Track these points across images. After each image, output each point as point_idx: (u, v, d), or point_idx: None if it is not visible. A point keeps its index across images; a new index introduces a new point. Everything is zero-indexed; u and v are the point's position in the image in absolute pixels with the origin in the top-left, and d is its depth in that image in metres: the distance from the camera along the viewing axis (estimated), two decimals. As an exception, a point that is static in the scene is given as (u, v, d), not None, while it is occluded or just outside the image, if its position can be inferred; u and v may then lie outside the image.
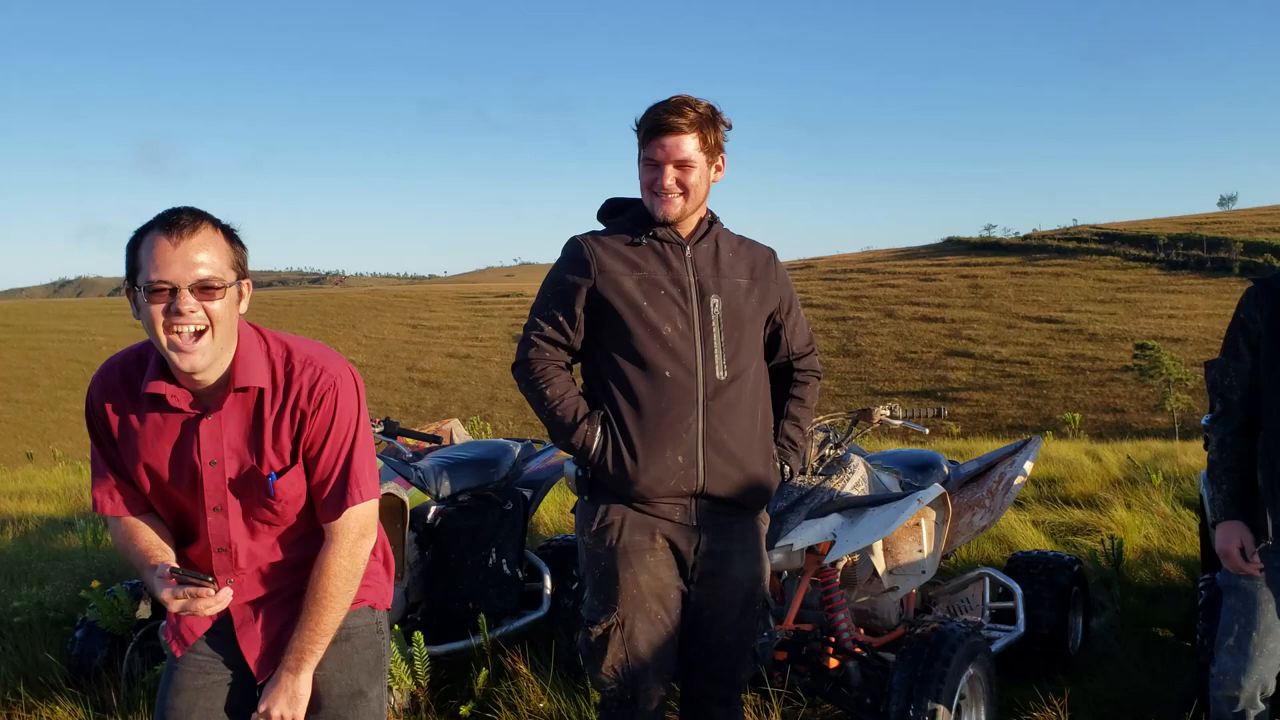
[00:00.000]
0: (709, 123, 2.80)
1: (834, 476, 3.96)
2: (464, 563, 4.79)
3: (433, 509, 4.88)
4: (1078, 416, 18.84)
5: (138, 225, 2.13)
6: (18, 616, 5.12)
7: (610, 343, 2.80)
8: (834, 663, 3.81)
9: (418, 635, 3.75)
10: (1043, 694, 3.94)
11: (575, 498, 2.97)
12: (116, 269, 2.31)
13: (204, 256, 2.06)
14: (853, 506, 3.82)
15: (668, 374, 2.75)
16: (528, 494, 5.12)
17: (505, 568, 4.78)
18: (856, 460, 4.10)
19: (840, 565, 4.02)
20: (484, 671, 4.24)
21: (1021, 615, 4.51)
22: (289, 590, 2.34)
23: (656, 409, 2.75)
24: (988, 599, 4.65)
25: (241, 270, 2.16)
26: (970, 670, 3.53)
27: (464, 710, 4.03)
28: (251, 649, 2.33)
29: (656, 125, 2.75)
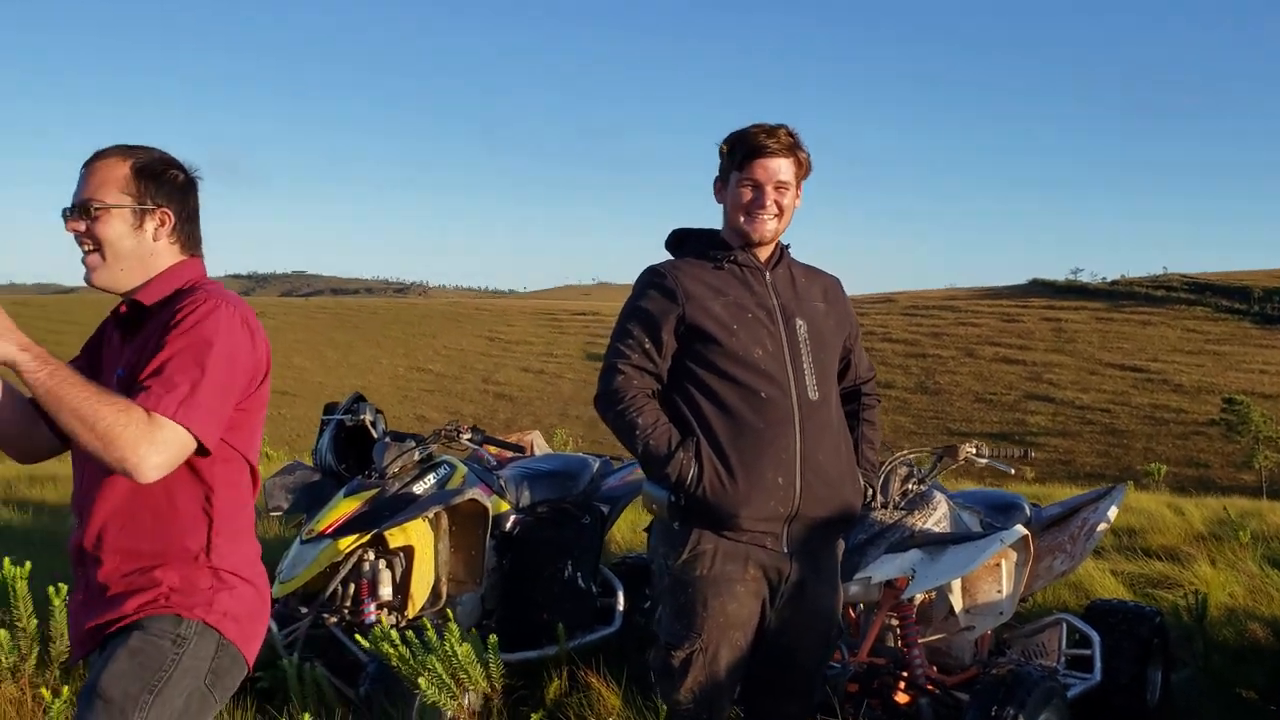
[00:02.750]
0: (800, 149, 2.89)
1: (915, 512, 3.95)
2: (540, 573, 4.86)
3: (512, 518, 4.97)
4: (1163, 468, 18.36)
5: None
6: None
7: (702, 367, 2.83)
8: (906, 698, 3.79)
9: (493, 638, 3.82)
10: (1118, 745, 3.87)
11: (647, 516, 2.99)
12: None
13: (90, 182, 2.16)
14: (933, 543, 3.81)
15: (763, 394, 2.79)
16: (604, 509, 5.19)
17: (580, 581, 4.84)
18: (939, 497, 4.09)
19: (917, 601, 4.01)
20: (556, 681, 4.29)
21: (1099, 664, 4.44)
22: (116, 586, 2.13)
23: (755, 429, 2.77)
24: (1064, 645, 4.58)
25: (148, 199, 2.18)
26: (1045, 715, 3.49)
27: (535, 717, 4.09)
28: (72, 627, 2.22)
29: (758, 148, 2.83)
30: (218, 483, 2.16)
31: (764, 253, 2.93)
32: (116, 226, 2.16)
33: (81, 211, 2.15)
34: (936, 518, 4.00)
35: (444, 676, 3.53)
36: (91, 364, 2.31)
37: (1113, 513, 4.58)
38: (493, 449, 5.43)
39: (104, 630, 2.15)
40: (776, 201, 2.85)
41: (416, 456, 4.60)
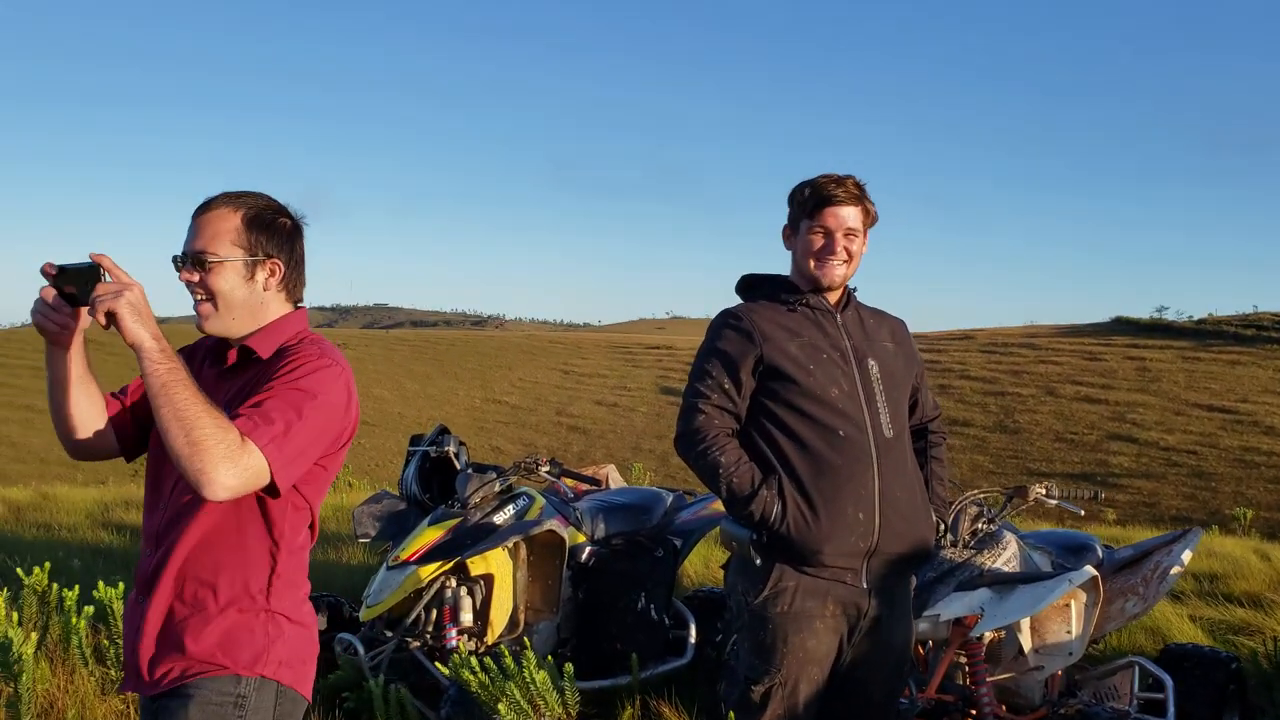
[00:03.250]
0: (867, 199, 3.02)
1: (985, 551, 4.01)
2: (614, 604, 4.99)
3: (587, 549, 5.11)
4: (1250, 512, 17.82)
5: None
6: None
7: (781, 407, 2.92)
8: (974, 736, 3.83)
9: (569, 666, 3.95)
10: (1190, 791, 3.84)
11: (719, 549, 3.08)
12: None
13: (203, 234, 2.19)
14: (1003, 582, 3.86)
15: (841, 433, 2.89)
16: (678, 543, 5.29)
17: (653, 613, 4.95)
18: (1009, 537, 4.14)
19: (986, 639, 4.05)
20: (628, 709, 4.40)
21: (1172, 709, 4.41)
22: (174, 622, 2.17)
23: (834, 466, 2.86)
24: (1136, 688, 4.56)
25: (259, 250, 2.22)
26: (1114, 756, 3.51)
27: (608, 745, 4.20)
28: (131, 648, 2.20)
29: (828, 196, 2.96)
30: (286, 528, 2.21)
31: (833, 296, 3.05)
32: (229, 278, 2.20)
33: (195, 263, 2.18)
34: (1006, 557, 4.05)
35: (521, 703, 3.67)
36: None
37: (1187, 556, 4.56)
38: (569, 481, 5.58)
39: (159, 679, 2.16)
40: (846, 248, 2.97)
41: (497, 488, 4.77)
